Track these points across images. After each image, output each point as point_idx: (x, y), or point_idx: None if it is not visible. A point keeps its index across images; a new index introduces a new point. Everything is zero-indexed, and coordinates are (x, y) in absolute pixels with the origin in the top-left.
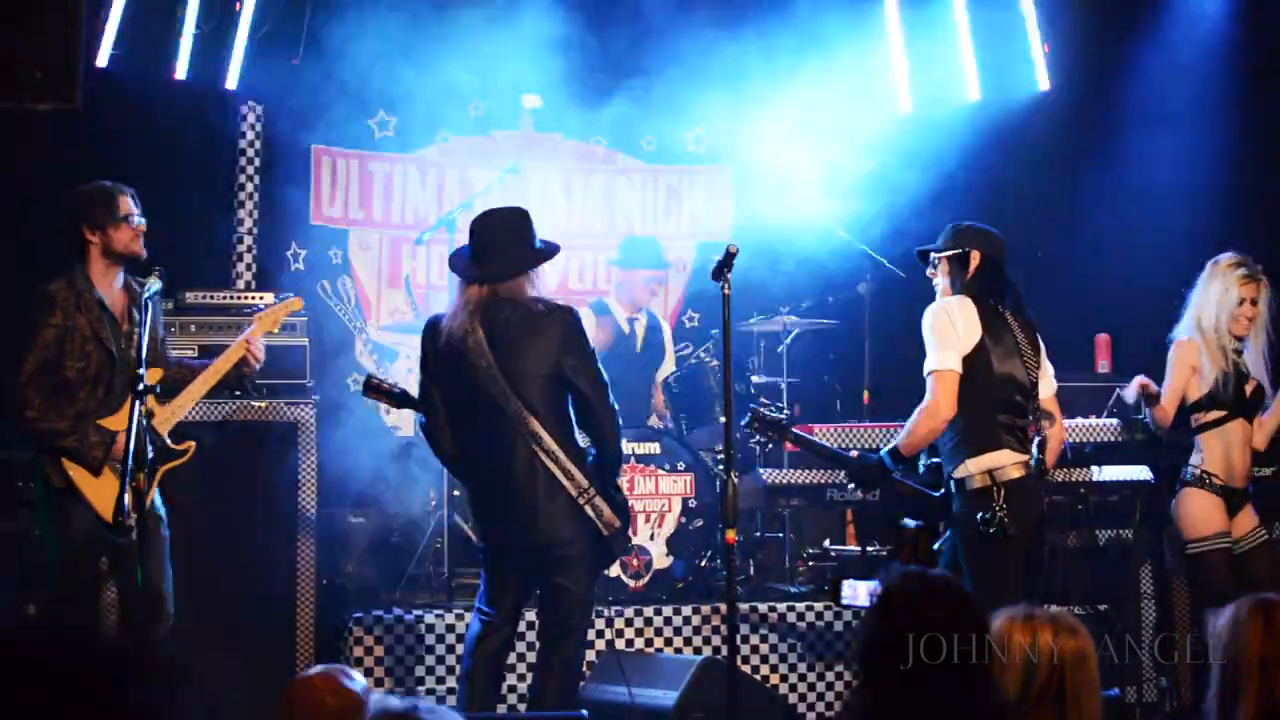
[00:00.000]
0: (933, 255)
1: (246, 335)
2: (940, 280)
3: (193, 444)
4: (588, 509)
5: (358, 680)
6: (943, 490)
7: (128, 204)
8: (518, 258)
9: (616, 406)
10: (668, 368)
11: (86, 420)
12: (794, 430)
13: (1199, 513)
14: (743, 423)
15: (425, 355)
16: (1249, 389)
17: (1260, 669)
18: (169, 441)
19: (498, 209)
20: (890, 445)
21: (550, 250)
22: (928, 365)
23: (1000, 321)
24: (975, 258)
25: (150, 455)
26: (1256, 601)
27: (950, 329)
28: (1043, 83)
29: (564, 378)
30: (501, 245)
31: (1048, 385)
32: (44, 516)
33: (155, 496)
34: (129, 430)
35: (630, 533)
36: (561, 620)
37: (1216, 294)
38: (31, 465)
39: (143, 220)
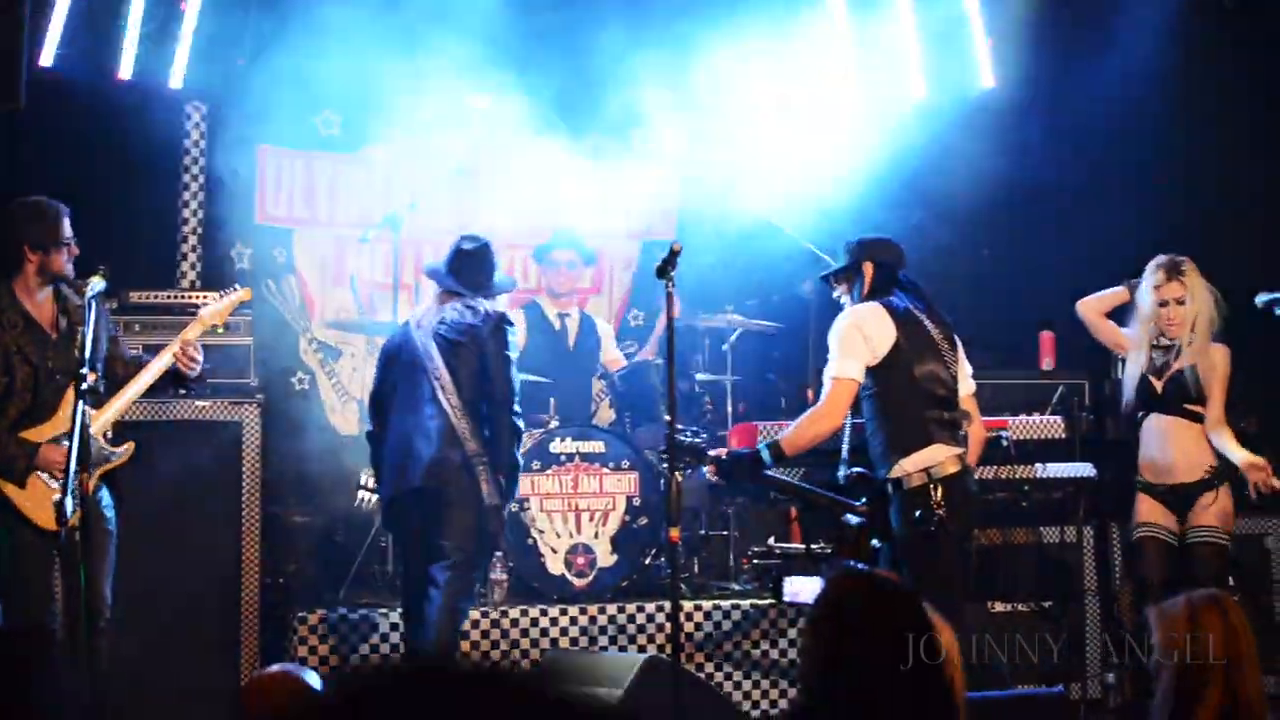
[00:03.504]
0: (831, 279)
1: (180, 337)
2: (844, 297)
3: (131, 444)
4: (479, 468)
5: (315, 679)
6: (863, 500)
7: (67, 226)
8: (500, 283)
9: (521, 425)
10: (609, 359)
11: (6, 434)
12: (711, 453)
13: (1135, 504)
14: (660, 451)
15: (382, 358)
16: (1160, 385)
17: (1224, 668)
18: (104, 444)
19: (480, 238)
20: (770, 440)
21: (512, 286)
22: (827, 371)
23: (912, 321)
24: (868, 269)
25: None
26: (1207, 599)
27: (857, 338)
28: (987, 80)
29: (484, 366)
30: (485, 267)
31: (966, 385)
32: None
33: (103, 495)
34: (72, 430)
35: (504, 516)
36: (446, 567)
37: (1142, 298)
38: None
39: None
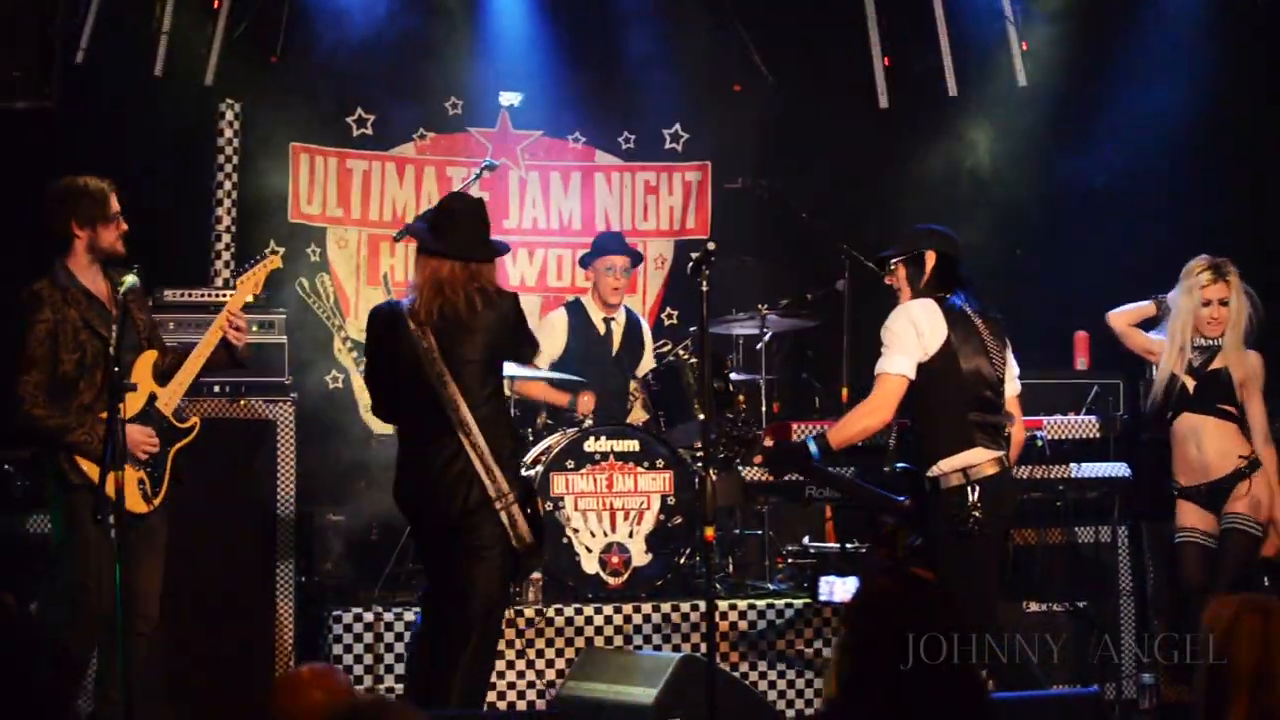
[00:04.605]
0: (889, 261)
1: (226, 308)
2: (899, 284)
3: (197, 420)
4: (502, 514)
5: (345, 678)
6: (907, 496)
7: (115, 202)
8: (491, 246)
9: (531, 440)
10: (646, 365)
11: (90, 414)
12: (764, 443)
13: (1175, 511)
14: (711, 436)
15: (373, 342)
16: (1193, 385)
17: (1253, 679)
18: (174, 421)
19: (470, 196)
20: (818, 432)
21: (505, 249)
22: (878, 366)
23: (965, 320)
24: (930, 258)
25: (158, 443)
26: (1256, 602)
27: (910, 334)
28: (1020, 79)
29: (499, 359)
30: (477, 229)
31: (1011, 386)
32: (58, 514)
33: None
34: (108, 428)
35: (543, 553)
36: (469, 618)
37: (1182, 298)
38: (36, 464)
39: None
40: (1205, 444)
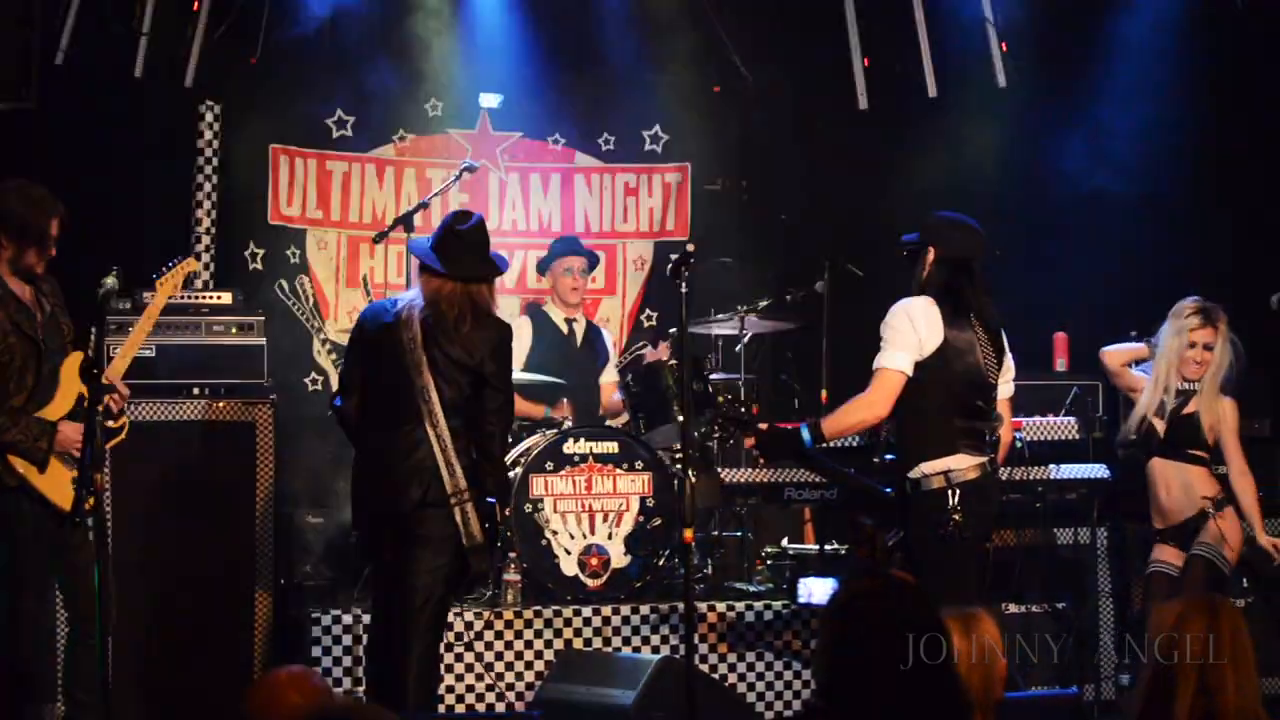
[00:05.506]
0: (903, 247)
1: (146, 312)
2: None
3: (126, 420)
4: (455, 510)
5: (322, 681)
6: (893, 489)
7: (55, 227)
8: (490, 265)
9: (510, 441)
10: (611, 373)
11: (24, 414)
12: (757, 425)
13: (1154, 548)
14: (703, 418)
15: (357, 338)
16: (1163, 428)
17: (1198, 674)
18: (103, 420)
19: (473, 215)
20: (812, 420)
21: (504, 267)
22: (877, 361)
23: (964, 323)
24: (930, 254)
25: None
26: (1199, 601)
27: (909, 331)
28: (1000, 80)
29: (479, 381)
30: (478, 251)
31: (1005, 389)
32: None
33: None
34: (86, 430)
35: (491, 554)
36: (410, 611)
37: (1170, 337)
38: None
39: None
40: (1173, 488)
